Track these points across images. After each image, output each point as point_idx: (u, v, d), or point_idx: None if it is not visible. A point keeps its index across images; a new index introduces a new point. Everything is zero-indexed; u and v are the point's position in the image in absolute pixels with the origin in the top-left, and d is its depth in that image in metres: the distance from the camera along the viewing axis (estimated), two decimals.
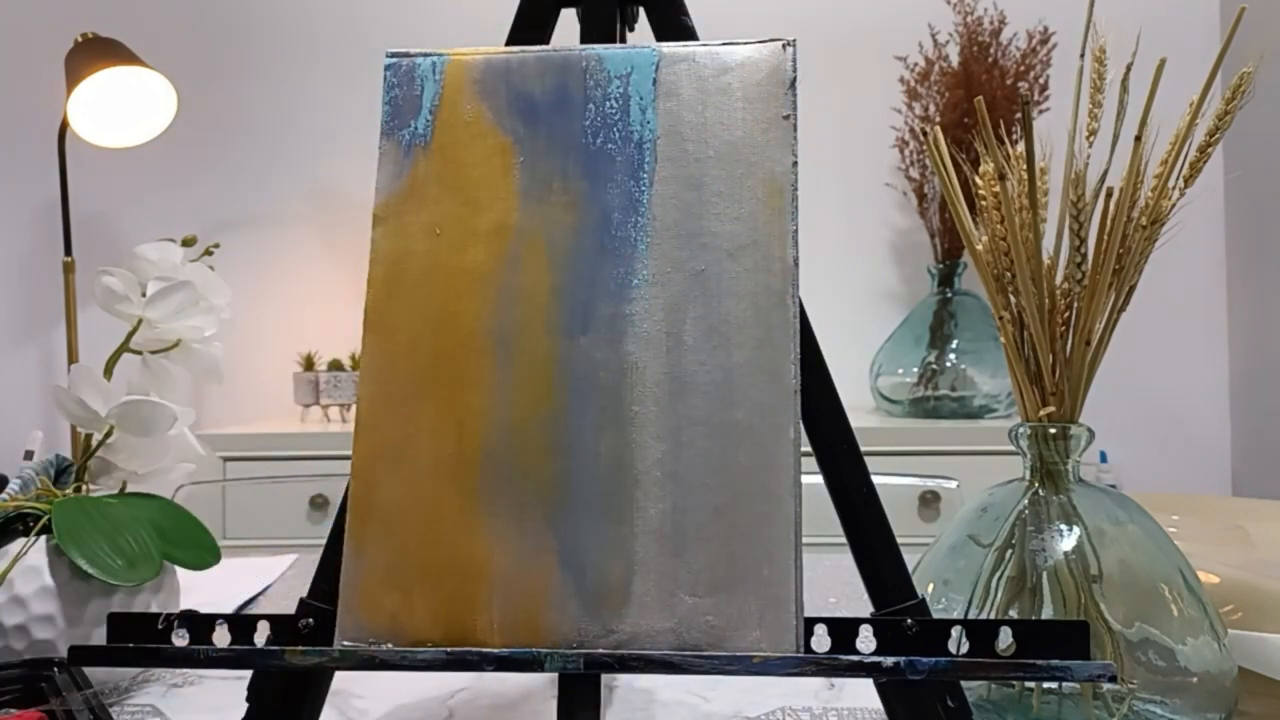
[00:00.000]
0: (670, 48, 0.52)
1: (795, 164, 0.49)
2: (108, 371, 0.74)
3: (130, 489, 0.74)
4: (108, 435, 0.72)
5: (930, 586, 0.61)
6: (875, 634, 0.45)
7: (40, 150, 2.12)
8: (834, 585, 0.94)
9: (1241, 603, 0.66)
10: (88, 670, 0.62)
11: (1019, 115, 0.55)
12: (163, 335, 0.75)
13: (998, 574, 0.59)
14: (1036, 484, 0.61)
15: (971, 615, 0.58)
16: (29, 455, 0.88)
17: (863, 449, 0.50)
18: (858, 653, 0.44)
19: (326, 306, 2.23)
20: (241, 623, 0.46)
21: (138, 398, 0.71)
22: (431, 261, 0.50)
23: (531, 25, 0.56)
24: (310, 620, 0.47)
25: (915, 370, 1.91)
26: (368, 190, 0.50)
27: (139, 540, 0.67)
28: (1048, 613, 0.57)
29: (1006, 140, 0.59)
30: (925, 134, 0.63)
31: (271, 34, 2.28)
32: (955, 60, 1.92)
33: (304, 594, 0.49)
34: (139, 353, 0.75)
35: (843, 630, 0.45)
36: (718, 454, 0.46)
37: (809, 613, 0.45)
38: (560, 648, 0.44)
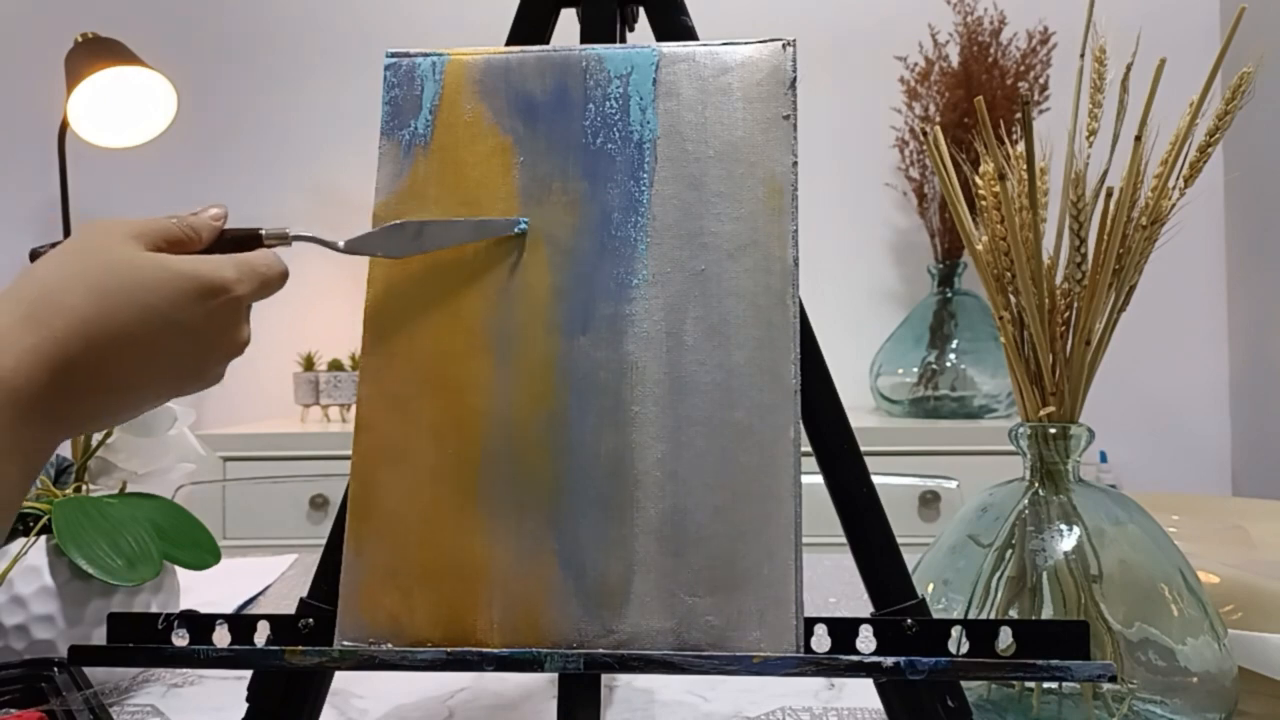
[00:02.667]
0: (670, 48, 0.52)
1: (795, 164, 0.49)
2: None
3: (130, 489, 0.74)
4: (108, 435, 0.72)
5: (930, 586, 0.61)
6: (875, 634, 0.45)
7: (40, 150, 2.12)
8: (834, 585, 0.94)
9: (1241, 603, 0.65)
10: (88, 670, 0.62)
11: (1019, 115, 0.55)
12: None
13: (998, 574, 0.59)
14: (1036, 484, 0.61)
15: (971, 615, 0.58)
16: None
17: (863, 449, 0.50)
18: (858, 653, 0.44)
19: (326, 306, 2.23)
20: (241, 623, 0.46)
21: None
22: (432, 262, 0.50)
23: (531, 25, 0.56)
24: (310, 620, 0.47)
25: (915, 370, 1.91)
26: (368, 190, 0.50)
27: (139, 540, 0.67)
28: (1048, 613, 0.57)
29: (1006, 140, 0.59)
30: (925, 134, 0.63)
31: (271, 34, 2.28)
32: (955, 60, 1.92)
33: (304, 594, 0.49)
34: None
35: (843, 630, 0.45)
36: (718, 454, 0.46)
37: (809, 613, 0.45)
38: (560, 648, 0.44)
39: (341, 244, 0.49)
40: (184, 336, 0.43)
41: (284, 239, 0.48)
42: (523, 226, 0.48)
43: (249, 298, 0.46)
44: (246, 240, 0.48)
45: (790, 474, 0.46)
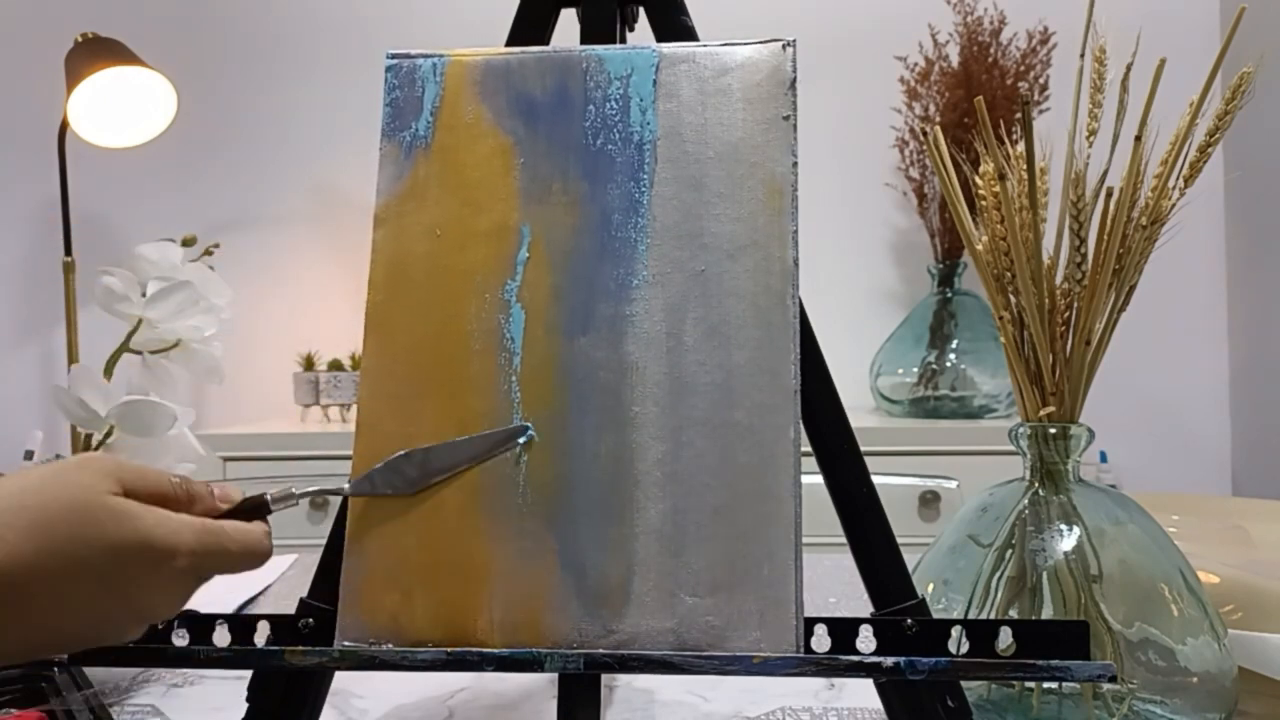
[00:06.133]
0: (670, 48, 0.52)
1: (795, 164, 0.49)
2: (108, 371, 0.74)
3: None
4: (108, 435, 0.72)
5: (930, 586, 0.61)
6: (875, 634, 0.45)
7: (40, 150, 2.12)
8: (834, 585, 0.94)
9: (1241, 603, 0.66)
10: (88, 670, 0.62)
11: (1019, 115, 0.55)
12: (163, 335, 0.75)
13: (998, 574, 0.59)
14: (1036, 484, 0.61)
15: (971, 615, 0.58)
16: (29, 455, 0.88)
17: (863, 449, 0.50)
18: (858, 653, 0.44)
19: (326, 306, 2.23)
20: (241, 623, 0.46)
21: (138, 398, 0.71)
22: (432, 263, 0.50)
23: (532, 25, 0.56)
24: (310, 620, 0.47)
25: (915, 370, 1.91)
26: (368, 190, 0.50)
27: None
28: (1048, 613, 0.57)
29: (1006, 140, 0.59)
30: (925, 134, 0.63)
31: (271, 34, 2.28)
32: (955, 60, 1.92)
33: (304, 594, 0.49)
34: (139, 353, 0.75)
35: (843, 630, 0.45)
36: (718, 454, 0.46)
37: (809, 613, 0.45)
38: (560, 648, 0.44)
39: (348, 487, 0.47)
40: (111, 596, 0.39)
41: (290, 498, 0.45)
42: (530, 434, 0.47)
43: (200, 570, 0.41)
44: (255, 508, 0.45)
45: (790, 474, 0.46)
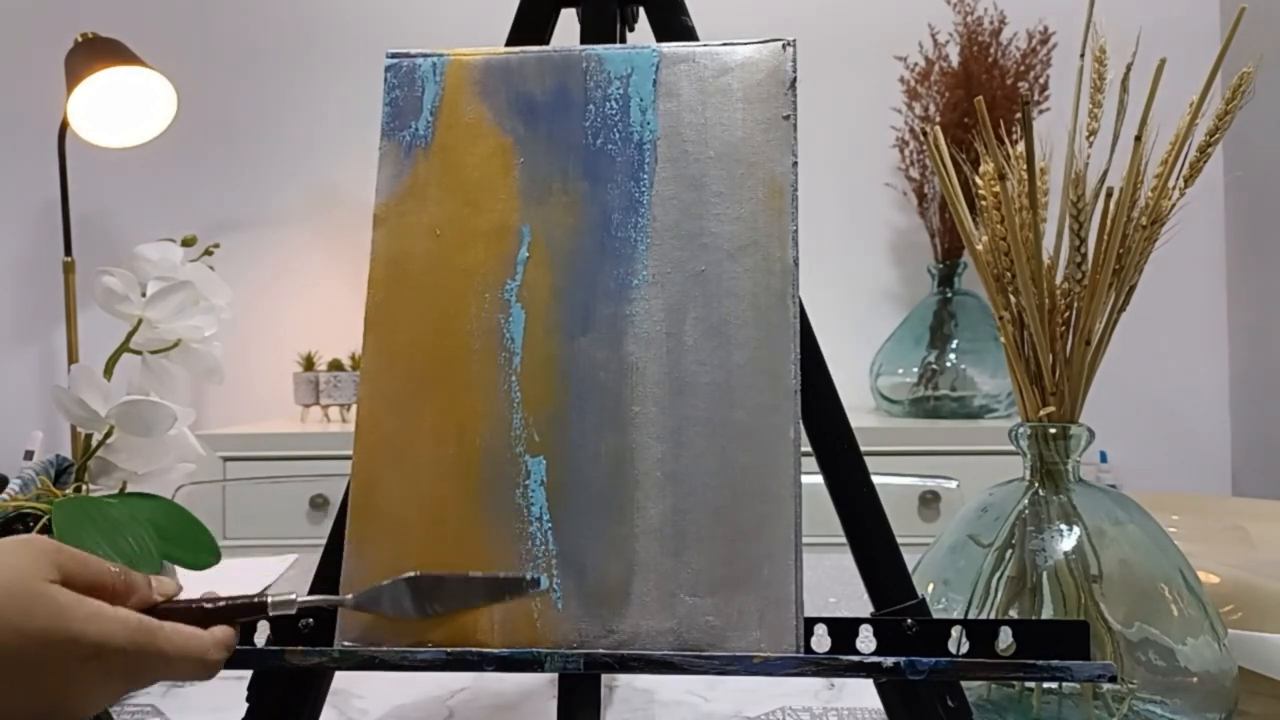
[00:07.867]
0: (670, 48, 0.52)
1: (795, 164, 0.49)
2: (108, 371, 0.74)
3: (130, 489, 0.74)
4: (108, 435, 0.72)
5: (930, 586, 0.61)
6: (875, 634, 0.45)
7: (40, 150, 2.12)
8: (834, 585, 0.94)
9: (1241, 603, 0.66)
10: None
11: (1019, 115, 0.55)
12: (163, 335, 0.75)
13: (998, 574, 0.59)
14: (1036, 484, 0.61)
15: (971, 615, 0.58)
16: (29, 455, 0.88)
17: (863, 449, 0.50)
18: (858, 653, 0.44)
19: (326, 306, 2.23)
20: (242, 622, 0.46)
21: (138, 398, 0.71)
22: (432, 262, 0.50)
23: (531, 25, 0.56)
24: (310, 620, 0.47)
25: (915, 370, 1.91)
26: (368, 190, 0.50)
27: (139, 540, 0.67)
28: (1048, 613, 0.57)
29: (1006, 140, 0.59)
30: (925, 134, 0.63)
31: (271, 34, 2.28)
32: (955, 60, 1.92)
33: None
34: (139, 353, 0.75)
35: (843, 630, 0.45)
36: (718, 454, 0.46)
37: (809, 613, 0.45)
38: (560, 648, 0.44)
39: (350, 599, 0.46)
40: (31, 687, 0.37)
41: (289, 604, 0.44)
42: (542, 585, 0.45)
43: (129, 670, 0.39)
44: (248, 609, 0.43)
45: (790, 474, 0.46)
